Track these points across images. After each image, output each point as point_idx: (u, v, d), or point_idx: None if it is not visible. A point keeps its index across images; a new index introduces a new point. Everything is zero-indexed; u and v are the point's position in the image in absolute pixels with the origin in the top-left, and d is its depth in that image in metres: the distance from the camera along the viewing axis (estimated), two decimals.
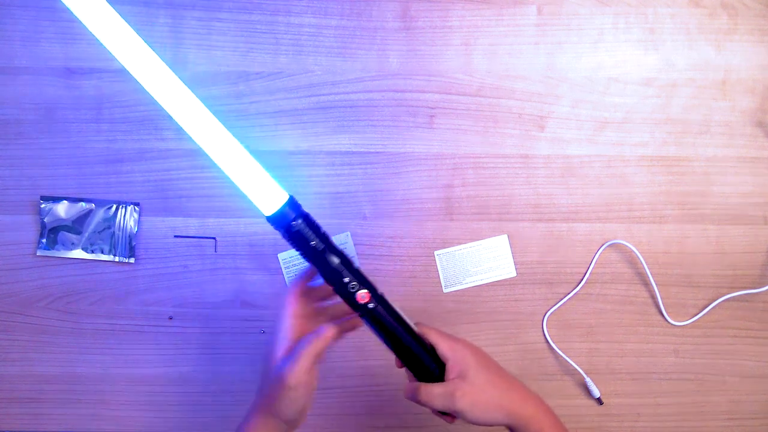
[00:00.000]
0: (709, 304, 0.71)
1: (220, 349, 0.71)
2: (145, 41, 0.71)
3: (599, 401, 0.71)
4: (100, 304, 0.71)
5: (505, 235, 0.71)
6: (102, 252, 0.70)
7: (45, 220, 0.70)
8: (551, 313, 0.71)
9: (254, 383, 0.70)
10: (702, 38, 0.71)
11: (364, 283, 0.52)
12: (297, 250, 0.52)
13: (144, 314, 0.71)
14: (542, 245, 0.71)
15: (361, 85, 0.71)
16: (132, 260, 0.70)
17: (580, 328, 0.71)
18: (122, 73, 0.70)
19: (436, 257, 0.71)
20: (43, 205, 0.70)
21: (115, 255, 0.70)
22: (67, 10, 0.70)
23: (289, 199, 0.52)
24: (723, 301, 0.71)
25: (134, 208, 0.70)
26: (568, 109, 0.71)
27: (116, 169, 0.71)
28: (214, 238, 0.71)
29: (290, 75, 0.71)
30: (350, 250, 0.69)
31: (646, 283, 0.71)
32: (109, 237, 0.70)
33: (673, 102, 0.71)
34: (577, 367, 0.71)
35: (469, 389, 0.51)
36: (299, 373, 0.49)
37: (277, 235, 0.71)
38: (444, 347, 0.53)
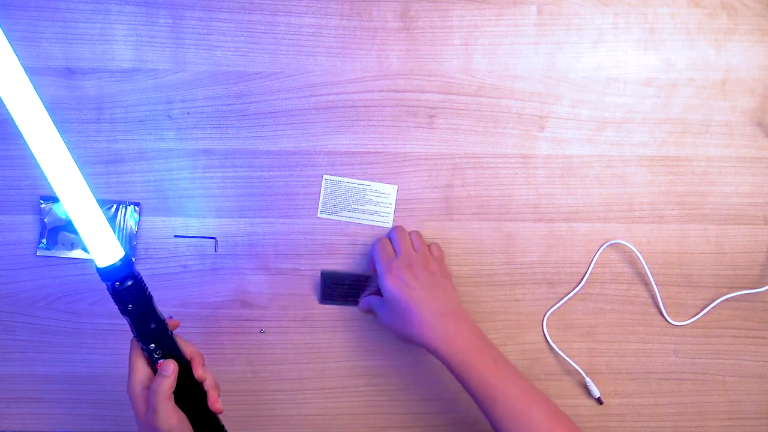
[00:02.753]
0: (709, 304, 0.71)
1: (220, 349, 0.71)
2: (145, 41, 0.72)
3: (599, 401, 0.71)
4: (100, 304, 0.71)
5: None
6: None
7: (45, 220, 0.70)
8: (551, 313, 0.71)
9: (254, 383, 0.71)
10: (702, 38, 0.71)
11: (171, 352, 0.56)
12: (117, 306, 0.54)
13: None
14: (542, 245, 0.71)
15: (361, 85, 0.71)
16: (132, 260, 0.70)
17: (580, 328, 0.71)
18: (123, 73, 0.71)
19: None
20: (43, 205, 0.70)
21: None
22: (67, 10, 0.70)
23: (123, 256, 0.54)
24: (723, 301, 0.71)
25: (134, 208, 0.70)
26: (568, 109, 0.71)
27: (116, 169, 0.71)
28: (214, 238, 0.71)
29: (290, 75, 0.71)
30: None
31: (646, 283, 0.71)
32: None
33: (673, 102, 0.71)
34: (577, 367, 0.71)
35: (386, 308, 0.64)
36: (165, 419, 0.53)
37: (277, 235, 0.71)
38: (379, 271, 0.66)
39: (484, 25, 0.71)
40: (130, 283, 0.53)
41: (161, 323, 0.55)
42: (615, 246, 0.71)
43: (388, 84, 0.71)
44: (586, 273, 0.71)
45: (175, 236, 0.71)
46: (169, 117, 0.71)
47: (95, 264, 0.54)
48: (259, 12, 0.70)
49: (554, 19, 0.71)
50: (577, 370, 0.71)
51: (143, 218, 0.71)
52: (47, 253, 0.70)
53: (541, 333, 0.71)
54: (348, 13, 0.70)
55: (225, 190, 0.71)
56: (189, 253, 0.71)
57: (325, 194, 0.69)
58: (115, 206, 0.70)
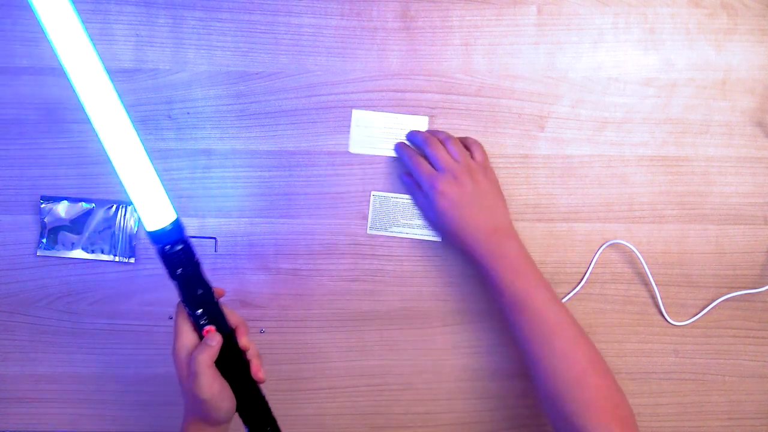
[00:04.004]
0: (709, 304, 0.71)
1: None
2: (145, 41, 0.72)
3: None
4: (100, 304, 0.71)
5: None
6: (102, 252, 0.70)
7: (45, 220, 0.70)
8: None
9: None
10: (702, 38, 0.71)
11: (216, 320, 0.56)
12: (166, 270, 0.54)
13: (144, 314, 0.71)
14: (542, 245, 0.71)
15: (361, 85, 0.71)
16: (132, 260, 0.70)
17: None
18: (123, 73, 0.71)
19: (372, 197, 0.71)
20: (43, 205, 0.70)
21: (115, 255, 0.70)
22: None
23: (174, 220, 0.54)
24: (723, 301, 0.71)
25: (134, 208, 0.70)
26: (568, 109, 0.71)
27: None
28: (214, 238, 0.71)
29: (290, 75, 0.71)
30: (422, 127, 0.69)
31: (646, 283, 0.71)
32: (109, 237, 0.70)
33: (673, 102, 0.71)
34: None
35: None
36: (206, 387, 0.53)
37: (277, 236, 0.71)
38: None
39: (484, 25, 0.71)
40: (180, 247, 0.53)
41: (208, 290, 0.55)
42: (615, 246, 0.71)
43: (388, 84, 0.71)
44: (586, 273, 0.71)
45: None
46: (169, 117, 0.71)
47: (145, 227, 0.54)
48: (259, 12, 0.70)
49: (554, 19, 0.71)
50: None
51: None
52: (47, 253, 0.70)
53: None
54: (348, 13, 0.70)
55: (225, 190, 0.71)
56: None
57: (374, 210, 0.70)
58: (115, 206, 0.70)
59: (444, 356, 0.71)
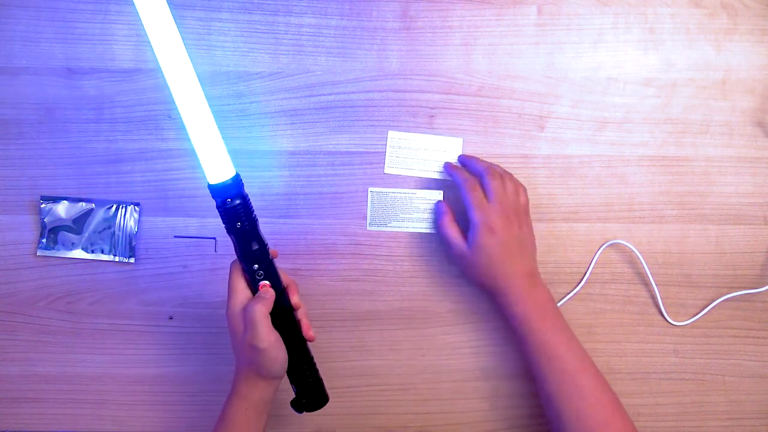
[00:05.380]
0: (709, 304, 0.71)
1: (220, 349, 0.71)
2: (145, 41, 0.71)
3: None
4: (100, 304, 0.71)
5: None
6: (102, 252, 0.70)
7: (45, 220, 0.70)
8: None
9: None
10: (702, 38, 0.71)
11: (271, 274, 0.58)
12: (225, 224, 0.56)
13: (144, 314, 0.71)
14: (542, 245, 0.71)
15: (361, 85, 0.71)
16: (132, 260, 0.70)
17: (580, 328, 0.71)
18: (123, 73, 0.71)
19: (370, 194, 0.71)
20: (43, 205, 0.70)
21: (115, 255, 0.70)
22: (67, 10, 0.70)
23: (234, 176, 0.56)
24: (723, 301, 0.71)
25: (134, 208, 0.70)
26: (568, 109, 0.71)
27: (116, 169, 0.71)
28: (214, 238, 0.71)
29: (290, 75, 0.71)
30: (456, 152, 0.70)
31: (646, 283, 0.71)
32: (109, 237, 0.70)
33: (673, 102, 0.71)
34: None
35: (468, 255, 0.64)
36: (264, 335, 0.55)
37: (277, 236, 0.71)
38: (473, 216, 0.64)
39: (484, 25, 0.71)
40: (239, 201, 0.56)
41: (264, 246, 0.58)
42: (615, 246, 0.71)
43: (388, 84, 0.71)
44: (586, 273, 0.71)
45: (175, 236, 0.71)
46: (169, 117, 0.71)
47: (207, 181, 0.57)
48: (259, 12, 0.70)
49: (554, 19, 0.71)
50: None
51: (143, 218, 0.71)
52: (47, 253, 0.70)
53: None
54: (348, 13, 0.70)
55: None
56: (189, 253, 0.71)
57: (372, 207, 0.70)
58: (115, 206, 0.70)
59: (444, 356, 0.71)
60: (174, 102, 0.55)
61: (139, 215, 0.71)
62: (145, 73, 0.70)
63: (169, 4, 0.70)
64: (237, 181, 0.57)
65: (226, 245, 0.71)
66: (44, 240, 0.70)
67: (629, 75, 0.71)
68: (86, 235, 0.70)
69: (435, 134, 0.71)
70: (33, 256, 0.71)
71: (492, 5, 0.71)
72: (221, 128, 0.70)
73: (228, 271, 0.60)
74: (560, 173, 0.71)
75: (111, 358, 0.71)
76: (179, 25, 0.70)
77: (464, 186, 0.65)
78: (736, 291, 0.71)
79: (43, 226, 0.70)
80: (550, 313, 0.63)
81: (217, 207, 0.57)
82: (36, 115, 0.70)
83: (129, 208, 0.70)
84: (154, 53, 0.54)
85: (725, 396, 0.72)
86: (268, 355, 0.56)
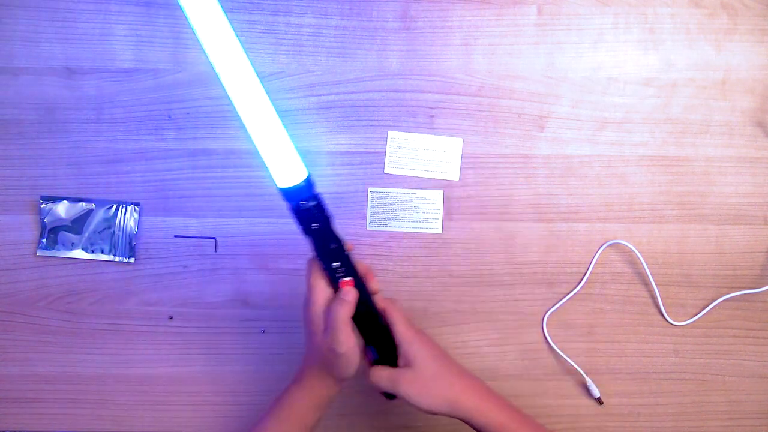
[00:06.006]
0: (709, 304, 0.71)
1: (220, 349, 0.71)
2: (145, 41, 0.72)
3: (599, 401, 0.71)
4: (100, 304, 0.71)
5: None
6: (102, 252, 0.70)
7: (45, 220, 0.70)
8: (551, 313, 0.71)
9: (254, 383, 0.71)
10: (702, 38, 0.71)
11: (350, 269, 0.55)
12: (299, 226, 0.54)
13: (144, 314, 0.71)
14: (542, 245, 0.71)
15: (361, 85, 0.71)
16: (132, 260, 0.70)
17: (580, 328, 0.71)
18: (123, 73, 0.71)
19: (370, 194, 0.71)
20: (43, 205, 0.70)
21: (115, 255, 0.70)
22: (67, 10, 0.70)
23: (307, 177, 0.53)
24: (723, 301, 0.71)
25: (134, 208, 0.70)
26: (568, 109, 0.71)
27: (116, 169, 0.71)
28: (214, 238, 0.71)
29: (290, 75, 0.71)
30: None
31: (646, 283, 0.71)
32: (109, 237, 0.70)
33: (673, 102, 0.71)
34: (577, 367, 0.71)
35: (414, 378, 0.55)
36: (344, 340, 0.53)
37: (277, 236, 0.71)
38: (399, 332, 0.57)
39: (484, 25, 0.71)
40: (313, 203, 0.53)
41: (341, 243, 0.55)
42: (615, 246, 0.71)
43: (388, 84, 0.71)
44: (586, 273, 0.71)
45: (175, 236, 0.71)
46: (169, 117, 0.71)
47: (277, 185, 0.53)
48: (259, 12, 0.70)
49: (554, 19, 0.71)
50: (577, 370, 0.71)
51: (143, 218, 0.71)
52: (47, 253, 0.70)
53: (541, 333, 0.71)
54: (348, 13, 0.70)
55: (225, 190, 0.71)
56: (189, 253, 0.71)
57: (372, 207, 0.70)
58: (115, 206, 0.70)
59: None
60: (231, 102, 0.51)
61: (139, 215, 0.71)
62: (145, 73, 0.70)
63: (169, 4, 0.70)
64: (309, 182, 0.53)
65: (226, 245, 0.71)
66: (44, 240, 0.70)
67: (629, 75, 0.71)
68: (86, 235, 0.70)
69: (435, 134, 0.71)
70: (33, 256, 0.71)
71: (492, 5, 0.71)
72: (221, 128, 0.71)
73: (306, 270, 0.56)
74: (560, 173, 0.71)
75: (111, 358, 0.71)
76: (179, 25, 0.70)
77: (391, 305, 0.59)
78: (736, 291, 0.71)
79: (43, 226, 0.70)
80: (498, 400, 0.58)
81: (290, 210, 0.54)
82: (36, 115, 0.70)
83: (129, 208, 0.70)
84: (206, 56, 0.50)
85: (725, 396, 0.72)
86: (346, 359, 0.54)
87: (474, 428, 0.56)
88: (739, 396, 0.72)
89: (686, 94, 0.71)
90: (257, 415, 0.71)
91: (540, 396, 0.71)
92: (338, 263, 0.54)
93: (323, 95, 0.71)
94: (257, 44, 0.70)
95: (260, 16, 0.70)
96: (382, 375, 0.57)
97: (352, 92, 0.71)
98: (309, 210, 0.53)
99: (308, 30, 0.70)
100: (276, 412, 0.58)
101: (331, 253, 0.54)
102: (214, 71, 0.50)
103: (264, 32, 0.70)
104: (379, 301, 0.58)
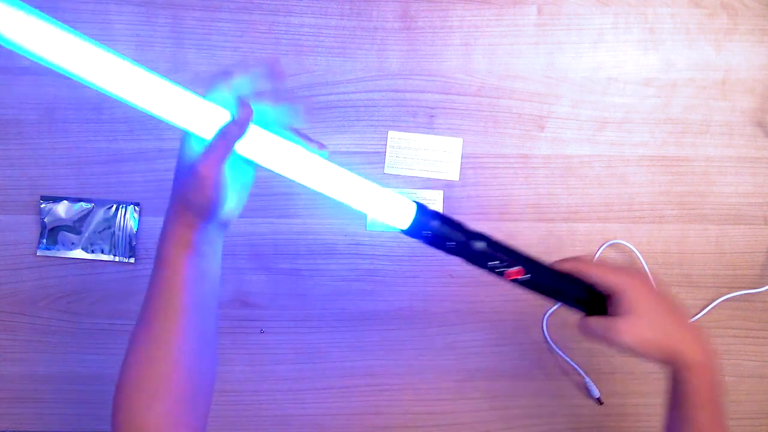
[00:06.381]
0: (709, 304, 0.71)
1: (220, 349, 0.71)
2: (145, 41, 0.72)
3: (599, 401, 0.71)
4: (100, 304, 0.71)
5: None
6: (102, 252, 0.70)
7: (45, 220, 0.70)
8: (551, 313, 0.71)
9: (254, 383, 0.71)
10: (702, 38, 0.71)
11: (511, 258, 0.51)
12: (438, 250, 0.51)
13: None
14: (542, 245, 0.71)
15: (361, 85, 0.71)
16: (132, 260, 0.70)
17: None
18: None
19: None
20: (43, 205, 0.70)
21: (115, 255, 0.70)
22: (67, 10, 0.70)
23: (417, 208, 0.50)
24: (723, 301, 0.71)
25: (134, 208, 0.70)
26: (568, 109, 0.71)
27: (116, 169, 0.71)
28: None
29: (290, 75, 0.71)
30: (456, 152, 0.68)
31: None
32: (109, 237, 0.70)
33: (673, 102, 0.71)
34: (577, 367, 0.71)
35: (631, 327, 0.51)
36: (213, 167, 0.46)
37: (277, 236, 0.71)
38: (609, 281, 0.52)
39: (484, 25, 0.71)
40: (436, 224, 0.50)
41: (482, 237, 0.51)
42: (615, 246, 0.71)
43: (388, 84, 0.71)
44: None
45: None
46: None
47: (399, 229, 0.51)
48: (259, 12, 0.70)
49: (554, 19, 0.71)
50: (577, 370, 0.71)
51: (143, 218, 0.71)
52: (47, 253, 0.70)
53: (541, 333, 0.71)
54: (348, 13, 0.70)
55: None
56: None
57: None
58: (115, 206, 0.70)
59: (444, 356, 0.71)
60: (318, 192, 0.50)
61: (139, 215, 0.71)
62: None
63: (169, 4, 0.70)
64: (421, 209, 0.50)
65: (226, 245, 0.71)
66: (44, 240, 0.70)
67: (629, 75, 0.71)
68: (86, 235, 0.70)
69: (435, 134, 0.71)
70: (33, 256, 0.70)
71: (492, 5, 0.71)
72: None
73: None
74: (560, 173, 0.71)
75: (111, 358, 0.71)
76: (179, 25, 0.70)
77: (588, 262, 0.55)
78: (736, 291, 0.71)
79: (43, 226, 0.70)
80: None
81: (423, 242, 0.51)
82: (36, 115, 0.70)
83: (129, 208, 0.70)
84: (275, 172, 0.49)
85: (725, 396, 0.72)
86: (201, 183, 0.48)
87: (677, 381, 0.52)
88: (739, 396, 0.72)
89: (686, 94, 0.71)
90: (257, 415, 0.71)
91: (540, 396, 0.71)
92: (495, 262, 0.51)
93: (323, 95, 0.71)
94: (257, 44, 0.70)
95: (260, 16, 0.70)
96: (597, 325, 0.52)
97: (352, 92, 0.71)
98: (437, 234, 0.50)
99: (308, 30, 0.70)
100: (152, 276, 0.49)
101: (482, 255, 0.51)
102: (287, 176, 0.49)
103: (264, 32, 0.70)
104: (565, 263, 0.53)
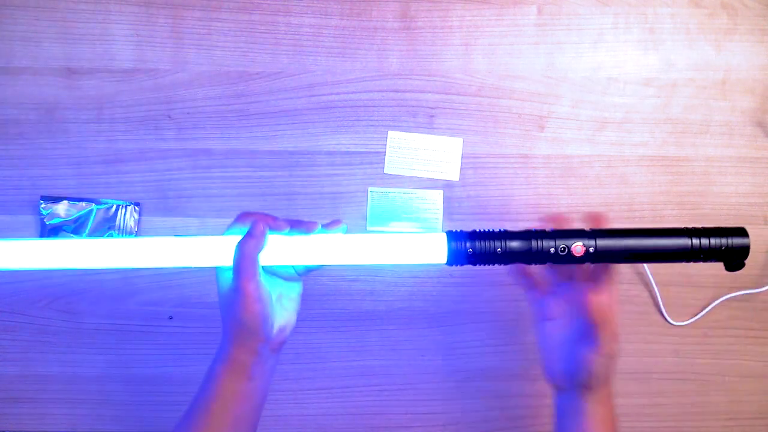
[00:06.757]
0: (709, 304, 0.71)
1: None
2: (145, 41, 0.72)
3: None
4: (100, 304, 0.71)
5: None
6: None
7: (45, 220, 0.70)
8: None
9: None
10: (702, 38, 0.71)
11: (566, 236, 0.49)
12: (487, 264, 0.50)
13: (144, 314, 0.71)
14: None
15: (361, 85, 0.71)
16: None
17: None
18: (123, 73, 0.71)
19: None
20: (43, 205, 0.70)
21: None
22: (67, 10, 0.70)
23: (447, 236, 0.50)
24: (723, 301, 0.71)
25: (134, 208, 0.70)
26: (568, 109, 0.71)
27: (116, 169, 0.71)
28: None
29: (290, 75, 0.71)
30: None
31: (646, 283, 0.71)
32: (109, 237, 0.70)
33: (673, 102, 0.71)
34: None
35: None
36: (248, 280, 0.47)
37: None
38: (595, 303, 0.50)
39: (484, 25, 0.71)
40: (474, 244, 0.49)
41: (531, 234, 0.49)
42: None
43: (388, 84, 0.71)
44: None
45: (175, 236, 0.71)
46: (169, 117, 0.71)
47: (443, 263, 0.50)
48: (259, 12, 0.70)
49: (554, 19, 0.71)
50: None
51: (143, 218, 0.71)
52: None
53: None
54: (348, 13, 0.70)
55: (225, 190, 0.71)
56: None
57: (372, 207, 0.70)
58: (115, 206, 0.70)
59: (444, 356, 0.71)
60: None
61: (139, 215, 0.71)
62: (145, 73, 0.70)
63: (169, 4, 0.70)
64: (452, 236, 0.50)
65: None
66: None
67: (629, 75, 0.71)
68: (86, 235, 0.70)
69: (435, 134, 0.71)
70: None
71: (492, 5, 0.71)
72: (221, 128, 0.71)
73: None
74: (560, 173, 0.71)
75: (111, 358, 0.71)
76: (179, 25, 0.70)
77: None
78: (736, 291, 0.71)
79: (43, 226, 0.70)
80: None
81: (471, 264, 0.50)
82: (36, 115, 0.70)
83: (129, 208, 0.70)
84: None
85: (725, 396, 0.72)
86: (248, 298, 0.48)
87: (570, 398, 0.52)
88: (739, 396, 0.72)
89: (686, 94, 0.71)
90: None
91: (540, 396, 0.71)
92: (553, 248, 0.48)
93: (323, 95, 0.71)
94: (257, 44, 0.70)
95: (260, 16, 0.70)
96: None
97: (352, 92, 0.71)
98: (477, 253, 0.49)
99: (308, 30, 0.70)
100: (199, 395, 0.51)
101: (539, 252, 0.49)
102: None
103: (264, 32, 0.70)
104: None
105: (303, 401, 0.71)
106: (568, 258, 0.49)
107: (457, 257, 0.50)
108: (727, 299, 0.71)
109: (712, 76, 0.71)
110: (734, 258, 0.50)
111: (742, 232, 0.51)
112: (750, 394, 0.72)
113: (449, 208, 0.71)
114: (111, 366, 0.71)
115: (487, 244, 0.49)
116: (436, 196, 0.71)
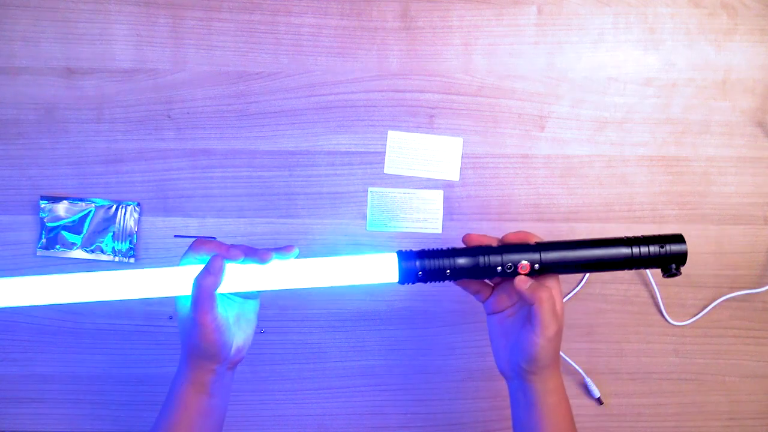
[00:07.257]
0: (709, 304, 0.71)
1: None
2: (145, 41, 0.72)
3: (599, 401, 0.71)
4: (100, 304, 0.71)
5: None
6: (102, 252, 0.70)
7: (45, 220, 0.70)
8: None
9: (254, 383, 0.71)
10: (702, 38, 0.71)
11: (512, 251, 0.51)
12: (438, 281, 0.52)
13: (144, 314, 0.71)
14: None
15: (361, 85, 0.71)
16: (132, 260, 0.70)
17: (580, 328, 0.71)
18: (123, 73, 0.71)
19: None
20: (43, 205, 0.70)
21: (115, 255, 0.70)
22: (67, 10, 0.70)
23: (398, 259, 0.51)
24: (723, 301, 0.71)
25: (134, 208, 0.70)
26: (568, 109, 0.71)
27: (116, 169, 0.71)
28: (213, 238, 0.71)
29: (290, 75, 0.71)
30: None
31: (646, 283, 0.71)
32: (109, 237, 0.70)
33: (673, 102, 0.71)
34: (577, 367, 0.71)
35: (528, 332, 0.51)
36: (206, 313, 0.49)
37: (277, 235, 0.71)
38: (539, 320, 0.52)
39: (484, 25, 0.71)
40: (423, 263, 0.51)
41: (482, 249, 0.51)
42: None
43: (388, 84, 0.71)
44: (586, 273, 0.71)
45: (175, 236, 0.71)
46: (169, 117, 0.71)
47: (395, 282, 0.52)
48: (259, 12, 0.70)
49: (554, 19, 0.71)
50: (577, 370, 0.71)
51: (143, 218, 0.71)
52: (47, 253, 0.70)
53: None
54: (348, 13, 0.70)
55: (225, 190, 0.71)
56: None
57: (372, 207, 0.70)
58: (115, 206, 0.70)
59: (444, 356, 0.71)
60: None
61: (139, 215, 0.71)
62: (145, 73, 0.70)
63: (169, 4, 0.70)
64: (402, 256, 0.51)
65: None
66: (44, 240, 0.70)
67: (629, 75, 0.71)
68: (86, 235, 0.70)
69: (435, 134, 0.71)
70: (33, 256, 0.70)
71: (492, 5, 0.71)
72: (221, 128, 0.71)
73: None
74: (560, 173, 0.71)
75: (111, 358, 0.71)
76: (179, 25, 0.70)
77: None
78: (736, 291, 0.71)
79: (43, 226, 0.70)
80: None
81: (422, 282, 0.52)
82: (36, 115, 0.70)
83: (129, 208, 0.70)
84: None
85: (725, 396, 0.72)
86: (205, 329, 0.50)
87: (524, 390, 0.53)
88: (739, 396, 0.72)
89: (686, 94, 0.71)
90: (257, 415, 0.71)
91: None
92: (499, 267, 0.50)
93: (323, 95, 0.71)
94: (257, 44, 0.70)
95: (260, 16, 0.70)
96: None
97: (352, 92, 0.71)
98: (426, 271, 0.51)
99: (308, 30, 0.70)
100: (164, 410, 0.54)
101: (484, 266, 0.51)
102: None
103: (264, 32, 0.70)
104: (510, 236, 0.53)
105: (303, 401, 0.71)
106: (515, 274, 0.51)
107: (407, 276, 0.51)
108: (727, 299, 0.71)
109: (712, 76, 0.71)
110: (676, 264, 0.52)
111: (679, 239, 0.53)
112: (750, 394, 0.72)
113: (449, 208, 0.71)
114: (111, 366, 0.71)
115: (437, 262, 0.51)
116: (436, 196, 0.71)
